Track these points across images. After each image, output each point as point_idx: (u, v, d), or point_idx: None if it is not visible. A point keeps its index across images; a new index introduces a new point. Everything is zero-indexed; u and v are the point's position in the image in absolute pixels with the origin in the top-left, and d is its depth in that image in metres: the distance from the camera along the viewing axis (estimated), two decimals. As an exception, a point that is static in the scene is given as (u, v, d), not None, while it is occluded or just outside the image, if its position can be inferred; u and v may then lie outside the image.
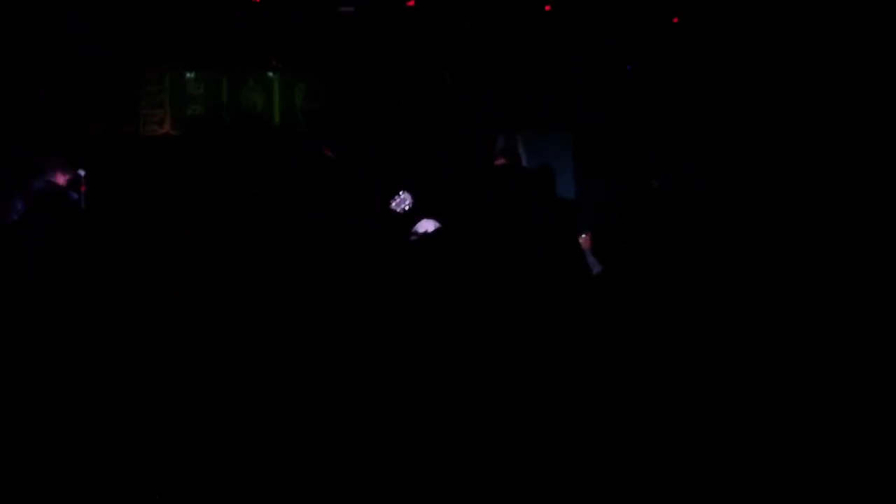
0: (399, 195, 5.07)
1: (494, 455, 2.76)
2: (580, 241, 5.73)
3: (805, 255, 4.62)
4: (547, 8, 8.76)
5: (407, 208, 5.03)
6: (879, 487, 3.21)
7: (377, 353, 2.60)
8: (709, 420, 3.34)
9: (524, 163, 10.41)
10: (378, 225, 2.84)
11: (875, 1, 6.76)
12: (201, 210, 2.38)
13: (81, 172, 7.03)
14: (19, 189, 6.40)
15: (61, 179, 6.58)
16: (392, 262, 2.86)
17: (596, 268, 4.97)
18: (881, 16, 6.72)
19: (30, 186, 6.46)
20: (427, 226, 4.83)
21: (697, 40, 8.60)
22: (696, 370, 3.51)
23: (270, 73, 8.99)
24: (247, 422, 2.23)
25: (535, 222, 3.54)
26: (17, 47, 7.78)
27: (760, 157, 7.12)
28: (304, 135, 8.49)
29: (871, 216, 5.44)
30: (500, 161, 8.87)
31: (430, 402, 2.66)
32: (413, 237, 4.46)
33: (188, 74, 8.79)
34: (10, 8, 7.70)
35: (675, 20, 8.56)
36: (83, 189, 6.56)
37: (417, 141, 8.56)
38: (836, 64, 6.96)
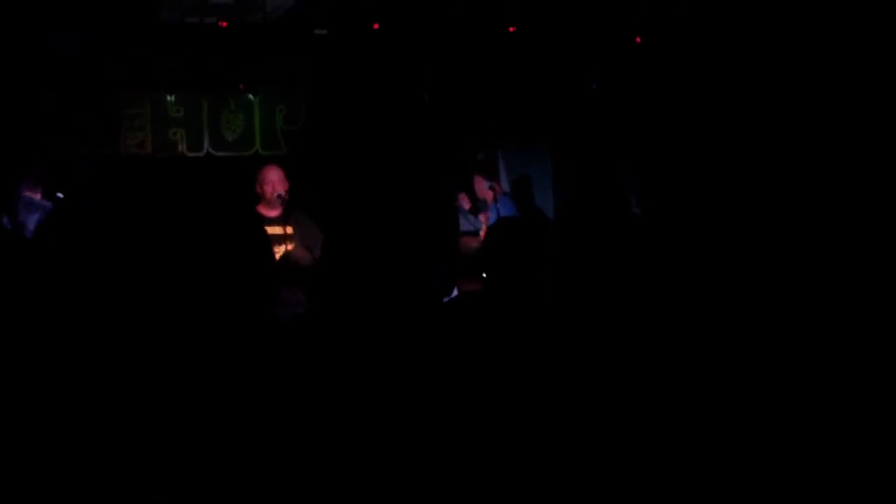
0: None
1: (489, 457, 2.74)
2: None
3: (789, 262, 4.59)
4: (511, 29, 8.91)
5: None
6: (879, 488, 3.18)
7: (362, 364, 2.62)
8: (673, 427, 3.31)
9: (504, 178, 10.56)
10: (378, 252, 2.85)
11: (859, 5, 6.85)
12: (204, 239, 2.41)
13: (60, 195, 7.09)
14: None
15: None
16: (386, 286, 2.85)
17: None
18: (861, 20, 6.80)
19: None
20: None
21: (666, 55, 8.73)
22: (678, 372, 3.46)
23: (251, 96, 9.07)
24: (229, 430, 2.28)
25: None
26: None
27: (740, 174, 7.18)
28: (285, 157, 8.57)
29: (855, 221, 5.41)
30: (479, 179, 9.02)
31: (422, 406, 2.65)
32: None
33: (168, 97, 8.86)
34: None
35: (638, 40, 8.72)
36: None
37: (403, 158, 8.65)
38: (816, 72, 7.03)
